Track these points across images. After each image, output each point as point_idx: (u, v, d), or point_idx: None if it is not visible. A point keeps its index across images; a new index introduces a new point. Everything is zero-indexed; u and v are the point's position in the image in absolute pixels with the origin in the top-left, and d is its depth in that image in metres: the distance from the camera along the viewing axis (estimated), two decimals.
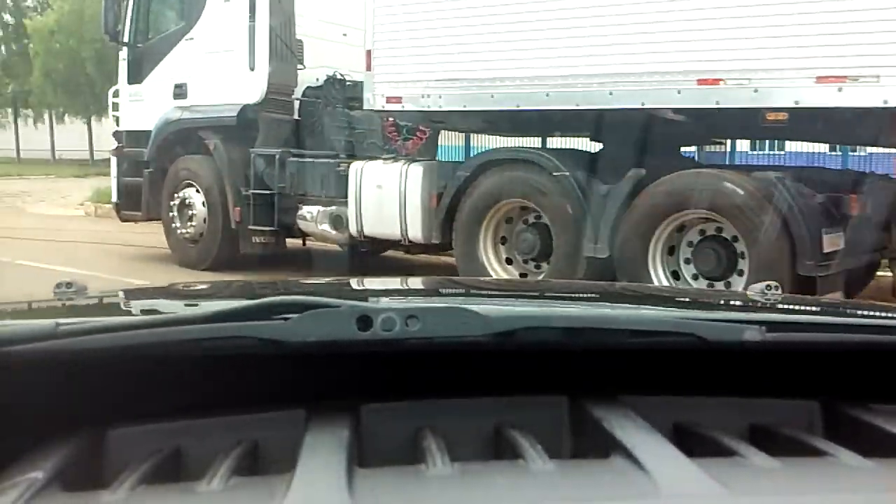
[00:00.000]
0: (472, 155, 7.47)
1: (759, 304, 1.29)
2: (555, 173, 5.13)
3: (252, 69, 6.81)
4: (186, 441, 0.88)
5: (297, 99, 7.21)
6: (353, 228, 6.27)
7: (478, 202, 5.51)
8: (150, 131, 7.42)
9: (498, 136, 7.80)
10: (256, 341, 0.82)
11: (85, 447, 0.83)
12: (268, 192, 6.80)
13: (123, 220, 7.97)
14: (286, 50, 6.93)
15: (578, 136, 6.92)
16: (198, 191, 7.21)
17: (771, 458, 0.73)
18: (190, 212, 7.23)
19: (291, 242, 7.27)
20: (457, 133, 10.19)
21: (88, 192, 15.23)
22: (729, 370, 0.99)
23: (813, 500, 0.67)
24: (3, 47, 25.28)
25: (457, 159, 8.41)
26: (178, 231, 7.30)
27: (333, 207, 6.44)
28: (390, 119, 7.75)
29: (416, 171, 5.88)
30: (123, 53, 7.84)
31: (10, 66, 25.39)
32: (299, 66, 7.10)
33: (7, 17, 24.63)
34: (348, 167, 6.32)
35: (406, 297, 1.51)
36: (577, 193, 5.05)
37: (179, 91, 7.31)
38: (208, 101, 7.08)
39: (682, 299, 1.73)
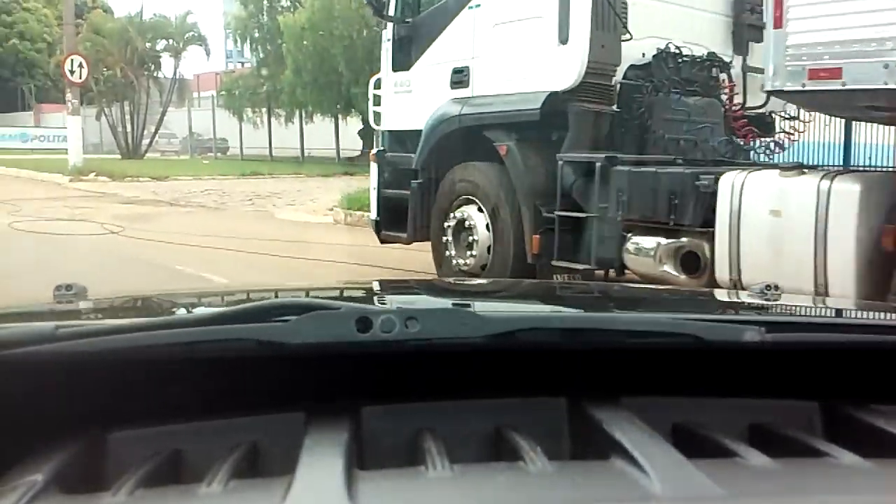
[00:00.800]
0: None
1: (758, 305, 1.28)
2: None
3: (564, 42, 4.87)
4: (186, 444, 0.88)
5: (619, 82, 5.17)
6: (719, 273, 4.13)
7: None
8: (419, 131, 5.76)
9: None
10: (255, 343, 0.83)
11: (84, 450, 0.83)
12: (581, 214, 4.83)
13: (384, 241, 6.38)
14: (610, 14, 4.91)
15: None
16: (480, 209, 5.42)
17: (770, 458, 0.73)
18: (469, 237, 5.46)
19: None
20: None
21: (336, 194, 14.42)
22: (728, 371, 0.99)
23: (812, 502, 0.67)
24: (259, 48, 25.96)
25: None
26: (453, 261, 5.56)
27: (685, 240, 4.34)
28: (736, 107, 5.58)
29: (851, 189, 3.60)
30: (388, 33, 6.25)
31: (264, 65, 26.06)
32: (623, 37, 5.04)
33: (263, 18, 25.19)
34: (715, 181, 4.18)
35: (405, 298, 1.49)
36: None
37: (460, 77, 5.57)
38: (499, 89, 5.26)
39: (681, 300, 1.72)
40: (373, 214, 6.46)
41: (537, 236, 4.98)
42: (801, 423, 0.95)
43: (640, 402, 0.91)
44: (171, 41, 26.49)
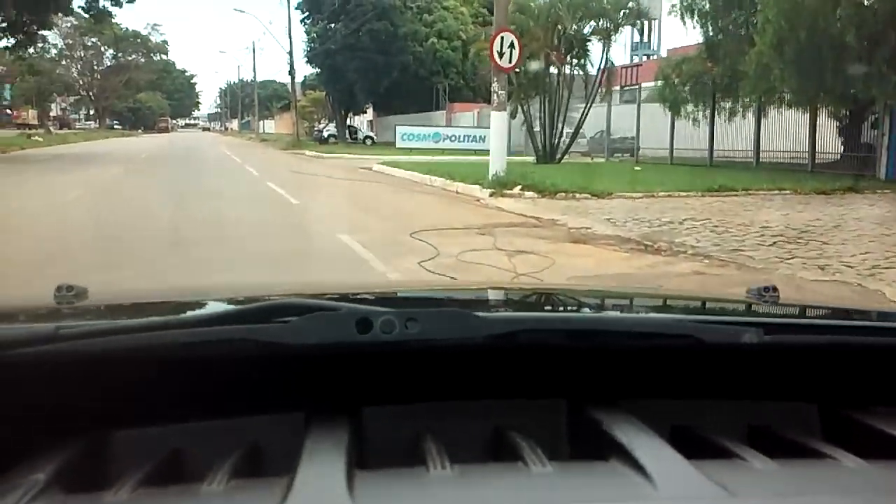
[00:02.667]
0: None
1: (757, 307, 1.27)
2: None
3: None
4: (187, 444, 0.89)
5: None
6: None
7: None
8: None
9: None
10: (256, 344, 0.83)
11: (86, 450, 0.84)
12: None
13: None
14: None
15: None
16: None
17: (770, 460, 0.73)
18: None
19: None
20: None
21: None
22: (727, 372, 0.99)
23: (812, 502, 0.66)
24: (708, 24, 20.29)
25: None
26: None
27: None
28: None
29: None
30: None
31: (714, 45, 20.35)
32: None
33: None
34: None
35: (406, 300, 1.48)
36: None
37: None
38: None
39: (680, 301, 1.68)
40: None
41: None
42: (800, 424, 0.95)
43: (639, 403, 0.90)
44: (601, 21, 21.89)
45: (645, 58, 44.84)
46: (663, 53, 40.85)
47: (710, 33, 20.64)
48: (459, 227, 9.48)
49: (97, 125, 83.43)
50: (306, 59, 43.32)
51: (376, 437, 0.91)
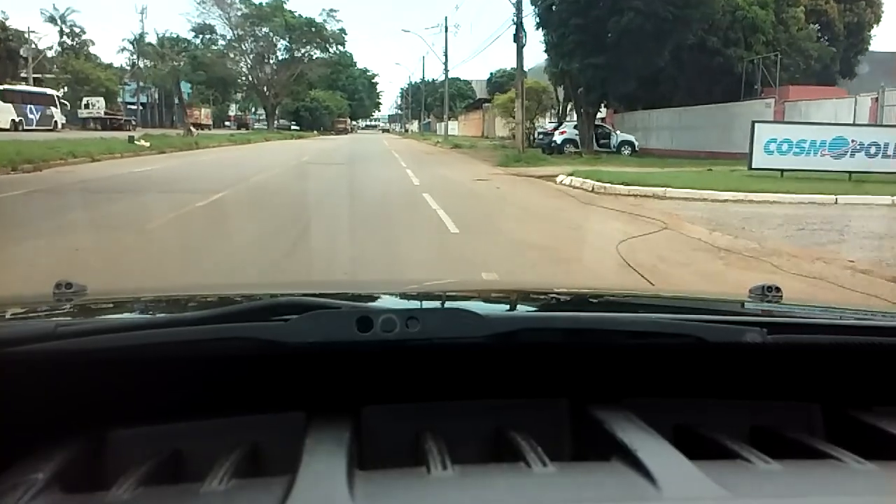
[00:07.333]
0: None
1: (759, 307, 1.26)
2: None
3: None
4: (186, 443, 0.88)
5: None
6: None
7: None
8: None
9: None
10: (256, 343, 0.82)
11: (85, 449, 0.82)
12: None
13: None
14: None
15: None
16: None
17: (772, 460, 0.72)
18: None
19: None
20: None
21: None
22: (730, 372, 0.98)
23: (814, 503, 0.66)
24: None
25: None
26: None
27: None
28: None
29: None
30: None
31: None
32: None
33: None
34: None
35: (407, 298, 1.45)
36: None
37: None
38: None
39: (683, 301, 1.67)
40: None
41: None
42: (803, 424, 0.94)
43: (641, 403, 0.89)
44: None
45: None
46: None
47: None
48: None
49: (268, 126, 72.75)
50: (537, 21, 27.36)
51: (377, 436, 0.90)
